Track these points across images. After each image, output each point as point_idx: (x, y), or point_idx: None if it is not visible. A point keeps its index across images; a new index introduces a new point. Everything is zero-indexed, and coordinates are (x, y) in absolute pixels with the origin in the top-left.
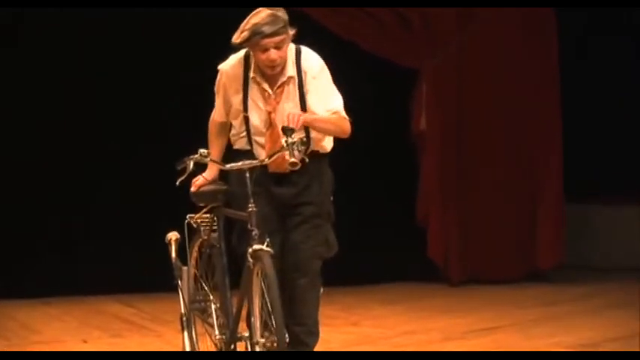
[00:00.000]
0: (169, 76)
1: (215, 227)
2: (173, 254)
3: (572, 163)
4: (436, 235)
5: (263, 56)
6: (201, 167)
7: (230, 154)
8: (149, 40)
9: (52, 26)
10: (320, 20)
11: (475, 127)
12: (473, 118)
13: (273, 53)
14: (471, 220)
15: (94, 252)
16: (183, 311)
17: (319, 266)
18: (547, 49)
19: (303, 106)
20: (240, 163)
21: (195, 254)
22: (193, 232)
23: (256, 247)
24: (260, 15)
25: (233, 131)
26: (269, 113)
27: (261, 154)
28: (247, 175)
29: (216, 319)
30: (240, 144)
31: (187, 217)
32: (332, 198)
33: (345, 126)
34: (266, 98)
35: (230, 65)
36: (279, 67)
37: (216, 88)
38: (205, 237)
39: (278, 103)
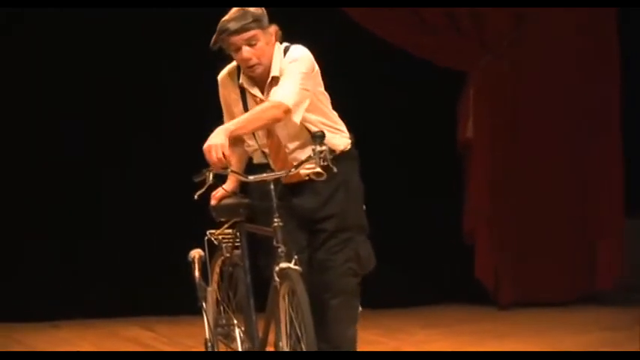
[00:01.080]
0: (187, 80)
1: (238, 244)
2: (196, 273)
3: (633, 175)
4: (484, 252)
5: (238, 56)
6: (220, 179)
7: (251, 168)
8: (164, 41)
9: (59, 29)
10: (359, 20)
11: (528, 134)
12: (525, 124)
13: (245, 52)
14: (522, 236)
15: (107, 271)
16: (208, 336)
17: (354, 284)
18: (607, 51)
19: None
20: (264, 175)
21: (216, 273)
22: (214, 249)
23: (283, 265)
24: (228, 13)
25: (245, 144)
26: None
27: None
28: (272, 187)
29: (241, 344)
30: (257, 157)
31: (207, 233)
32: (364, 207)
33: (270, 114)
34: (257, 103)
35: (224, 74)
36: (259, 68)
37: (221, 101)
38: (227, 254)
39: None
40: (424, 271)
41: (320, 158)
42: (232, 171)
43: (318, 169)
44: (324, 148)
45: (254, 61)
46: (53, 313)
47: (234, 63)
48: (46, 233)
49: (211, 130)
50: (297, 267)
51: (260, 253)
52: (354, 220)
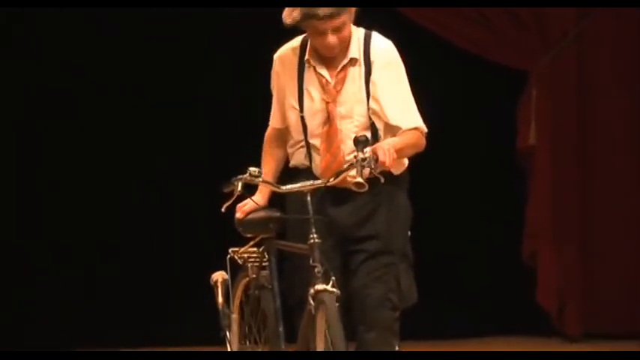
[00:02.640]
0: (205, 82)
1: (265, 263)
2: (220, 299)
3: None
4: (548, 277)
5: (319, 40)
6: (249, 190)
7: (286, 174)
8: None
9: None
10: (415, 18)
11: (600, 141)
12: (597, 130)
13: (331, 38)
14: (592, 258)
15: (117, 299)
16: None
17: (391, 319)
18: None
19: (367, 99)
20: (299, 185)
21: (239, 297)
22: (238, 269)
23: (319, 287)
24: None
25: (290, 141)
26: (326, 104)
27: (318, 164)
28: (308, 198)
29: None
30: (298, 158)
31: (230, 251)
32: (409, 233)
33: (422, 144)
34: (324, 86)
35: (285, 49)
36: (336, 51)
37: (271, 85)
38: (253, 275)
39: (338, 92)
40: (478, 298)
41: (362, 166)
42: (264, 181)
43: (360, 179)
44: (367, 155)
45: (338, 46)
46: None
47: (297, 39)
48: (42, 261)
49: (252, 139)
50: (334, 289)
51: (287, 273)
52: (397, 245)
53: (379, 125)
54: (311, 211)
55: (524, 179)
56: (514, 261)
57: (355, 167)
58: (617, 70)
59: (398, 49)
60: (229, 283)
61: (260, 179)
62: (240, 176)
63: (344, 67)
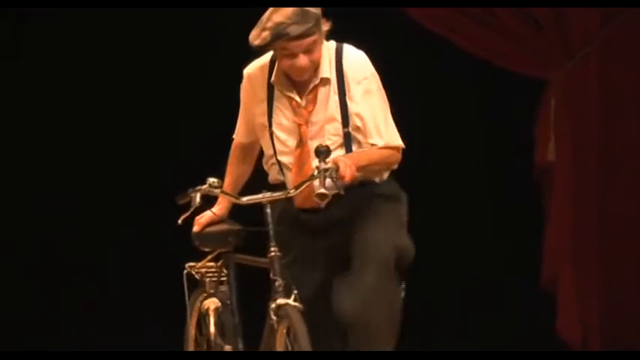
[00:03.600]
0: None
1: (224, 278)
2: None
3: None
4: (568, 304)
5: (288, 63)
6: (208, 202)
7: (266, 189)
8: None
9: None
10: (423, 22)
11: (625, 157)
12: (622, 145)
13: (302, 60)
14: (618, 284)
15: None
16: None
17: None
18: None
19: (345, 118)
20: (259, 196)
21: (196, 314)
22: (194, 285)
23: (281, 301)
24: (284, 12)
25: (264, 157)
26: (299, 126)
27: (290, 183)
28: (268, 210)
29: None
30: (272, 174)
31: (186, 266)
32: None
33: (394, 161)
34: (294, 108)
35: (254, 67)
36: (307, 74)
37: (241, 98)
38: (211, 291)
39: (310, 112)
40: (492, 327)
41: (324, 177)
42: (223, 192)
43: (323, 190)
44: (329, 165)
45: (309, 67)
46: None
47: (266, 56)
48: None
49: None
50: (297, 304)
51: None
52: (383, 250)
53: (357, 141)
54: (270, 223)
55: (543, 198)
56: (531, 287)
57: (317, 178)
58: None
59: (403, 57)
60: (185, 297)
61: (219, 190)
62: (199, 187)
63: (315, 87)
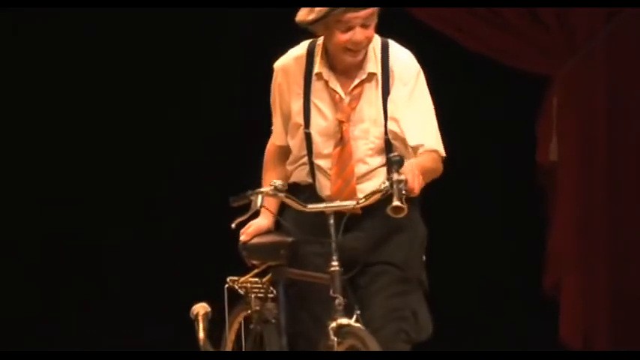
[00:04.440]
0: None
1: (271, 295)
2: (201, 334)
3: None
4: (572, 309)
5: (344, 37)
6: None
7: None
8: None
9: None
10: (423, 19)
11: (632, 157)
12: (629, 143)
13: (359, 33)
14: (624, 288)
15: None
16: None
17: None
18: None
19: (386, 121)
20: (323, 205)
21: (235, 331)
22: (235, 301)
23: (343, 321)
24: None
25: (290, 158)
26: (340, 123)
27: (325, 186)
28: (331, 221)
29: None
30: (299, 175)
31: (228, 279)
32: (424, 258)
33: (440, 170)
34: (336, 102)
35: (289, 59)
36: (362, 54)
37: (272, 98)
38: (257, 308)
39: (353, 109)
40: (494, 332)
41: (399, 189)
42: (288, 196)
43: (399, 203)
44: (402, 177)
45: (365, 43)
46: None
47: (301, 48)
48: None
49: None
50: (359, 325)
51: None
52: (414, 272)
53: (396, 147)
54: (334, 235)
55: (546, 199)
56: (534, 291)
57: (391, 190)
58: None
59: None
60: (225, 314)
61: (284, 194)
62: (260, 189)
63: (361, 83)
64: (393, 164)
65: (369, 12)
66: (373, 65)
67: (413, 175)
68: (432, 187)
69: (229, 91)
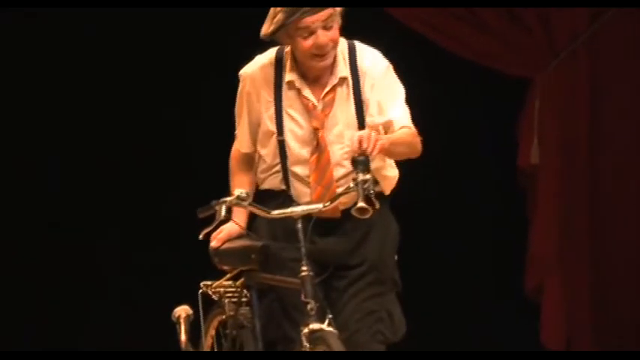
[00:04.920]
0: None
1: (245, 299)
2: (182, 337)
3: None
4: (553, 313)
5: (308, 43)
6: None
7: (255, 196)
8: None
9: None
10: (403, 19)
11: (613, 159)
12: (610, 147)
13: (322, 35)
14: (606, 291)
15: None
16: None
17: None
18: None
19: (360, 121)
20: (289, 210)
21: (211, 337)
22: (211, 305)
23: (315, 326)
24: None
25: (262, 165)
26: (315, 130)
27: (302, 193)
28: (299, 225)
29: None
30: (272, 182)
31: (201, 284)
32: (396, 258)
33: (418, 145)
34: (310, 110)
35: (257, 67)
36: (329, 58)
37: (237, 105)
38: (231, 313)
39: (327, 116)
40: (475, 336)
41: (363, 189)
42: (252, 204)
43: (363, 204)
44: (368, 177)
45: (330, 46)
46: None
47: (269, 55)
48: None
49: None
50: (331, 329)
51: (262, 309)
52: (388, 273)
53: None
54: (302, 239)
55: (527, 202)
56: (515, 295)
57: (356, 191)
58: (635, 80)
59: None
60: (201, 319)
61: (247, 203)
62: (223, 199)
63: (333, 88)
64: (358, 164)
65: (328, 13)
66: (343, 69)
67: (368, 137)
68: (413, 189)
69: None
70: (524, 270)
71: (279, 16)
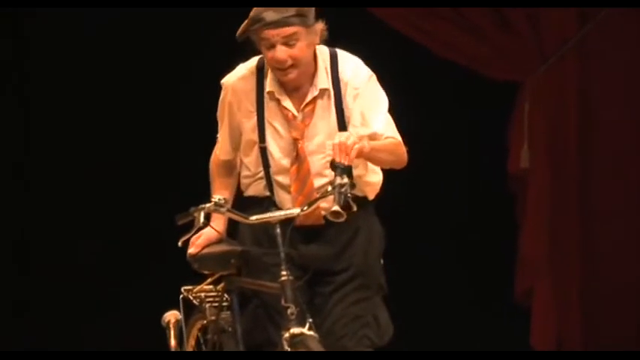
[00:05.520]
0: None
1: (226, 304)
2: (172, 342)
3: None
4: (543, 316)
5: (269, 54)
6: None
7: (240, 203)
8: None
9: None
10: (388, 20)
11: (603, 163)
12: (600, 151)
13: (280, 51)
14: (596, 294)
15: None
16: None
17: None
18: None
19: (343, 131)
20: (267, 215)
21: (193, 342)
22: (192, 310)
23: (295, 330)
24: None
25: (245, 172)
26: (295, 141)
27: (286, 200)
28: (278, 230)
29: None
30: (256, 189)
31: (182, 289)
32: (382, 262)
33: (403, 155)
34: (290, 121)
35: (238, 77)
36: (292, 72)
37: (219, 113)
38: (212, 317)
39: (307, 126)
40: (465, 342)
41: (340, 194)
42: (230, 210)
43: (337, 208)
44: (345, 181)
45: (289, 63)
46: None
47: (250, 64)
48: None
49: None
50: (312, 332)
51: (245, 312)
52: (373, 277)
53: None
54: (281, 245)
55: (517, 207)
56: (505, 299)
57: (332, 194)
58: (624, 83)
59: (373, 61)
60: (183, 325)
61: (225, 209)
62: (202, 205)
63: (313, 99)
64: (336, 168)
65: (291, 31)
66: (324, 80)
67: (341, 147)
68: (402, 193)
69: None
70: (514, 274)
71: (246, 22)
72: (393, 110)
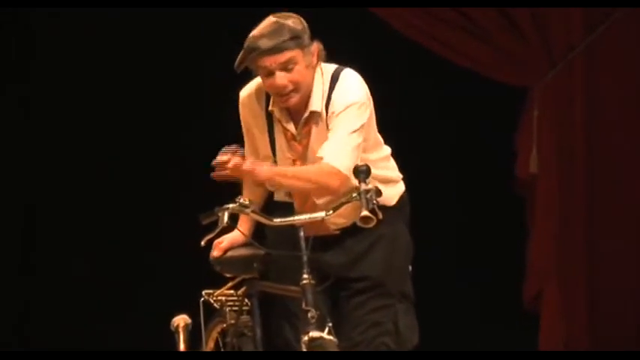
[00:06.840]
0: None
1: (246, 307)
2: (181, 346)
3: None
4: (552, 323)
5: (267, 82)
6: (236, 222)
7: (268, 206)
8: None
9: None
10: (401, 28)
11: (611, 169)
12: (608, 156)
13: (279, 78)
14: (605, 301)
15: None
16: None
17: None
18: None
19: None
20: (291, 218)
21: (212, 344)
22: (212, 314)
23: (314, 334)
24: (261, 25)
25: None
26: (293, 162)
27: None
28: (301, 234)
29: None
30: (279, 195)
31: (203, 293)
32: (410, 269)
33: (325, 183)
34: (289, 140)
35: (250, 93)
36: (294, 97)
37: (242, 123)
38: (232, 321)
39: (305, 147)
40: (473, 346)
41: (367, 199)
42: (254, 211)
43: (367, 213)
44: (370, 186)
45: (289, 88)
46: None
47: (259, 80)
48: None
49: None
50: (331, 337)
51: (274, 315)
52: (395, 284)
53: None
54: (304, 248)
55: (526, 212)
56: (514, 304)
57: (359, 200)
58: (632, 89)
59: (381, 66)
60: (202, 327)
61: (250, 210)
62: (226, 206)
63: (307, 121)
64: (360, 174)
65: (286, 57)
66: (318, 103)
67: (220, 164)
68: (411, 198)
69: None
70: (523, 279)
71: (242, 52)
72: (399, 115)
